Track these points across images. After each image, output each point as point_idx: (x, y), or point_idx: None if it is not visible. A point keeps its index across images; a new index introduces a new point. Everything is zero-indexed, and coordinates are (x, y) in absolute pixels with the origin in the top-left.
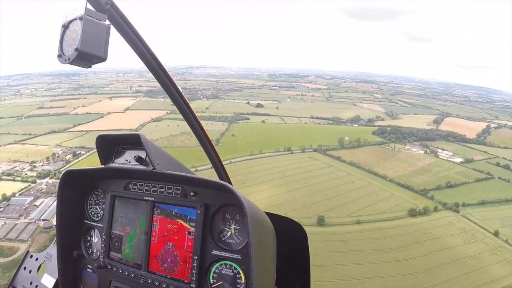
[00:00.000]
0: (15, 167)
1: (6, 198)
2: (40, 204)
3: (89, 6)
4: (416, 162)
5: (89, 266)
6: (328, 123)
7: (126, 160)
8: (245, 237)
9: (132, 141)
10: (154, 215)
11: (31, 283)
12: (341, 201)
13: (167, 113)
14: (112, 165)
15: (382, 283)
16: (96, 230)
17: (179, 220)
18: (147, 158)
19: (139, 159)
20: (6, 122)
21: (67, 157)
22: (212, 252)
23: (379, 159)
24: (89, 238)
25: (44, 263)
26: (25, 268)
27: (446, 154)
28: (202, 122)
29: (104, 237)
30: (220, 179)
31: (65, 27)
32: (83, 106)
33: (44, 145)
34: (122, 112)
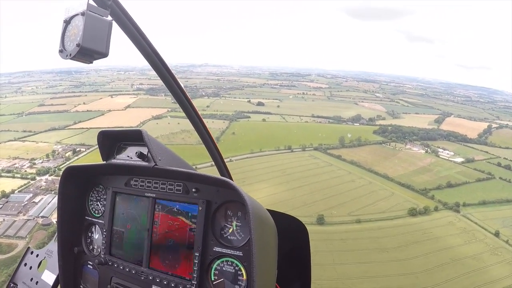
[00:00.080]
0: (15, 164)
1: (5, 195)
2: (39, 201)
3: (91, 2)
4: (417, 162)
5: (90, 263)
6: (329, 122)
7: (128, 156)
8: (247, 234)
9: (134, 137)
10: (155, 212)
11: (31, 279)
12: (341, 200)
13: (168, 111)
14: (113, 161)
15: (382, 283)
16: (97, 226)
17: (181, 217)
18: (148, 154)
19: (140, 155)
20: (7, 119)
21: (66, 154)
22: (214, 249)
23: (380, 158)
24: (90, 234)
25: (45, 260)
26: (25, 264)
27: (447, 153)
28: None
29: (105, 233)
30: (221, 176)
31: (67, 22)
32: (83, 103)
33: (44, 142)
34: (122, 109)
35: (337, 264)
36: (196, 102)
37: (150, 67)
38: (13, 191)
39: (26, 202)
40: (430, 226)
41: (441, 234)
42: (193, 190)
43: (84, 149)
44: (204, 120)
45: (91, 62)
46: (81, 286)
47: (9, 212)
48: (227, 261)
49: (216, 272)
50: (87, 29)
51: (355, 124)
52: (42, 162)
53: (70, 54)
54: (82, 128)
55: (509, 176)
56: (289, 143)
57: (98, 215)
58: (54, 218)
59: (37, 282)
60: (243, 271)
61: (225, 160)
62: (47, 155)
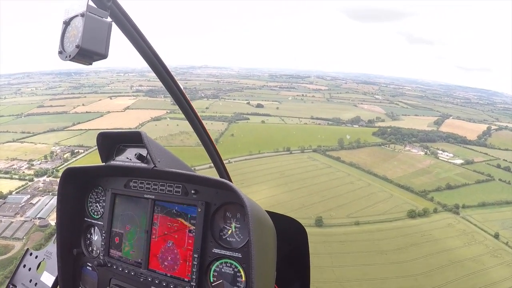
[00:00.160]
0: (13, 165)
1: (2, 196)
2: (37, 202)
3: (91, 3)
4: (416, 163)
5: (89, 264)
6: (328, 124)
7: (127, 158)
8: (246, 235)
9: (133, 138)
10: (154, 213)
11: (30, 280)
12: (340, 201)
13: (167, 112)
14: (112, 162)
15: (381, 285)
16: (96, 228)
17: (180, 219)
18: (148, 156)
19: (140, 157)
20: (6, 120)
21: (65, 156)
22: (213, 251)
23: (379, 160)
24: (89, 236)
25: (44, 261)
26: (24, 265)
27: (447, 155)
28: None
29: (104, 235)
30: (220, 178)
31: (67, 23)
32: (83, 105)
33: (43, 143)
34: (122, 111)
35: (335, 267)
36: (195, 104)
37: (149, 68)
38: (10, 192)
39: (23, 204)
40: (429, 228)
41: (441, 236)
42: (192, 191)
43: (82, 151)
44: (203, 122)
45: (91, 64)
46: None
47: (6, 213)
48: (226, 262)
49: (215, 273)
50: (87, 30)
51: (354, 126)
52: (40, 164)
53: (70, 56)
54: (81, 129)
55: (509, 178)
56: (288, 145)
57: (97, 217)
58: (51, 220)
59: (36, 284)
60: (242, 273)
61: (224, 162)
62: (45, 157)
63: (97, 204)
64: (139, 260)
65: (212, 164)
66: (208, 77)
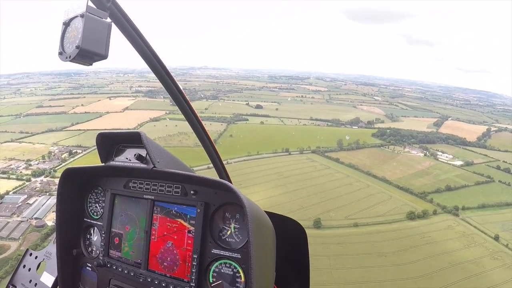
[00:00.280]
0: (11, 165)
1: None
2: (34, 202)
3: (91, 4)
4: (416, 165)
5: (89, 265)
6: (327, 125)
7: (127, 158)
8: (245, 236)
9: (133, 139)
10: (154, 214)
11: (30, 281)
12: (338, 203)
13: (166, 113)
14: (112, 163)
15: None
16: (95, 228)
17: (179, 219)
18: (147, 156)
19: (139, 157)
20: (5, 120)
21: (63, 156)
22: (212, 251)
23: (378, 161)
24: (88, 236)
25: (44, 261)
26: (24, 266)
27: (446, 157)
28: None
29: (103, 235)
30: (220, 178)
31: (66, 24)
32: (82, 105)
33: (41, 143)
34: (121, 111)
35: (334, 269)
36: (194, 105)
37: (149, 69)
38: (7, 192)
39: (20, 204)
40: (429, 230)
41: (440, 238)
42: (192, 192)
43: (80, 151)
44: (203, 123)
45: (91, 64)
46: None
47: (3, 213)
48: (225, 263)
49: (215, 274)
50: (86, 31)
51: (353, 127)
52: (37, 164)
53: (70, 56)
54: (80, 129)
55: (509, 179)
56: (287, 146)
57: (96, 217)
58: (48, 220)
59: (36, 284)
60: (241, 273)
61: (224, 163)
62: (43, 157)
63: (97, 205)
64: (139, 260)
65: (211, 165)
66: (208, 78)
